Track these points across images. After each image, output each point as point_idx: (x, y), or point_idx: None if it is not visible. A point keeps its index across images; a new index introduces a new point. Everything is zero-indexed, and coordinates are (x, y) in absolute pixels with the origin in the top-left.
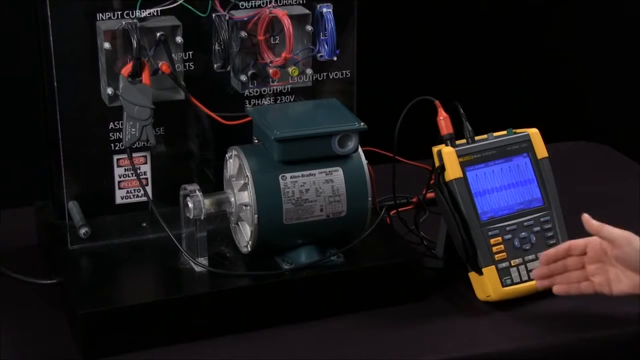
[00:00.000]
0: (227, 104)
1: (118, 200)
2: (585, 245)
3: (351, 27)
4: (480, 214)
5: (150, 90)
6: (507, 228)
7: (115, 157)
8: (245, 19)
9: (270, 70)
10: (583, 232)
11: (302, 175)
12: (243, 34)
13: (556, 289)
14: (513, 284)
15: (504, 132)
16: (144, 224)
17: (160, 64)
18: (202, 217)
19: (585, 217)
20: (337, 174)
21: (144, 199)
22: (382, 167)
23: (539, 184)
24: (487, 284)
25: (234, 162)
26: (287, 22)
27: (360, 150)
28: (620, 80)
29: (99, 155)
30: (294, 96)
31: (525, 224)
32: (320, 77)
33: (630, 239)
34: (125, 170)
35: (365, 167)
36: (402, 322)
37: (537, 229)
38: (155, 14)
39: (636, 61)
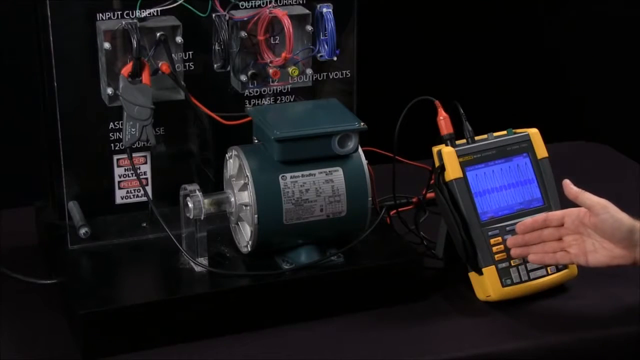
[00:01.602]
0: (227, 104)
1: (118, 200)
2: (562, 217)
3: (351, 27)
4: (480, 214)
5: (150, 90)
6: (507, 228)
7: (115, 157)
8: (245, 19)
9: (270, 70)
10: None
11: (302, 175)
12: (243, 34)
13: (531, 257)
14: (513, 284)
15: (504, 132)
16: (144, 224)
17: (160, 64)
18: (202, 217)
19: (566, 182)
20: (337, 174)
21: (144, 199)
22: (382, 167)
23: (539, 184)
24: (487, 284)
25: (234, 162)
26: (287, 22)
27: (360, 150)
28: (620, 80)
29: (99, 155)
30: (294, 96)
31: None
32: (320, 77)
33: (607, 206)
34: (125, 170)
35: (365, 167)
36: (402, 322)
37: None
38: (155, 14)
39: (636, 61)
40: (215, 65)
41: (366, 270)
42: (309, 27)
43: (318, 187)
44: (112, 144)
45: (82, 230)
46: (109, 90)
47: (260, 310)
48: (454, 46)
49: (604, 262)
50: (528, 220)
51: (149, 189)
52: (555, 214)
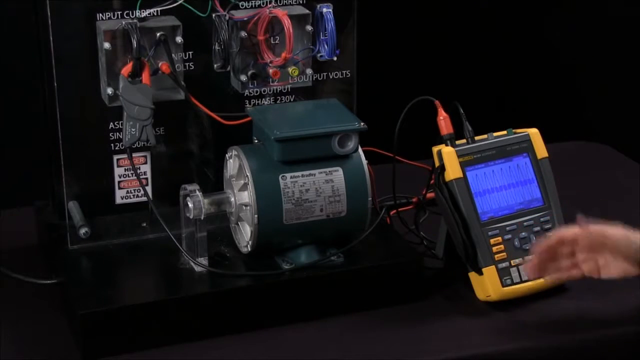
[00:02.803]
0: (227, 104)
1: (118, 200)
2: (575, 236)
3: (351, 27)
4: (480, 214)
5: (150, 90)
6: (507, 228)
7: (115, 157)
8: (245, 19)
9: (270, 70)
10: None
11: (302, 175)
12: (243, 34)
13: (547, 278)
14: (513, 284)
15: (504, 132)
16: (144, 224)
17: (160, 64)
18: (202, 217)
19: (579, 219)
20: (337, 174)
21: (144, 199)
22: (382, 167)
23: (539, 184)
24: (487, 284)
25: (234, 162)
26: (287, 22)
27: (360, 150)
28: (620, 80)
29: (99, 155)
30: (294, 96)
31: (525, 224)
32: (320, 77)
33: (621, 230)
34: (125, 170)
35: (365, 167)
36: (402, 322)
37: (537, 229)
38: (155, 14)
39: (636, 61)
40: (215, 65)
41: (366, 270)
42: (309, 27)
43: (318, 187)
44: (112, 144)
45: (82, 230)
46: (109, 90)
47: (260, 310)
48: (454, 46)
49: (616, 276)
50: (542, 244)
51: (149, 189)
52: (569, 232)
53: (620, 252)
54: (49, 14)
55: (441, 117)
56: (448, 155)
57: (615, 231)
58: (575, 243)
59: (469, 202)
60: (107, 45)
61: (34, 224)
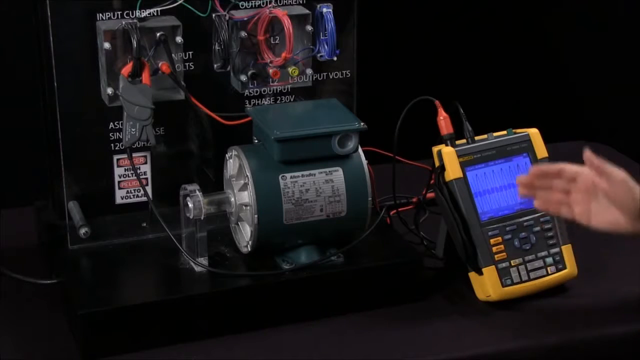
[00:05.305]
0: (227, 104)
1: (118, 200)
2: (576, 174)
3: (351, 27)
4: (480, 214)
5: (150, 90)
6: (507, 228)
7: (115, 157)
8: (245, 19)
9: (270, 70)
10: (583, 234)
11: (302, 175)
12: (243, 34)
13: (536, 203)
14: (513, 284)
15: (504, 132)
16: (144, 224)
17: (160, 64)
18: (202, 217)
19: (587, 154)
20: (337, 174)
21: (144, 199)
22: (382, 167)
23: None
24: (487, 284)
25: (234, 162)
26: (287, 22)
27: (360, 150)
28: (620, 80)
29: (99, 155)
30: (294, 96)
31: (525, 224)
32: (320, 77)
33: (624, 175)
34: (125, 170)
35: (365, 167)
36: (402, 322)
37: (537, 229)
38: (155, 14)
39: (636, 61)
40: (215, 65)
41: (366, 270)
42: (309, 27)
43: (318, 187)
44: (112, 144)
45: (82, 230)
46: (109, 90)
47: (260, 310)
48: (454, 46)
49: (605, 227)
50: (543, 166)
51: (149, 189)
52: (571, 169)
53: (618, 201)
54: (49, 14)
55: (441, 117)
56: (448, 155)
57: (618, 174)
58: (574, 181)
59: (469, 202)
60: (107, 45)
61: (34, 224)
